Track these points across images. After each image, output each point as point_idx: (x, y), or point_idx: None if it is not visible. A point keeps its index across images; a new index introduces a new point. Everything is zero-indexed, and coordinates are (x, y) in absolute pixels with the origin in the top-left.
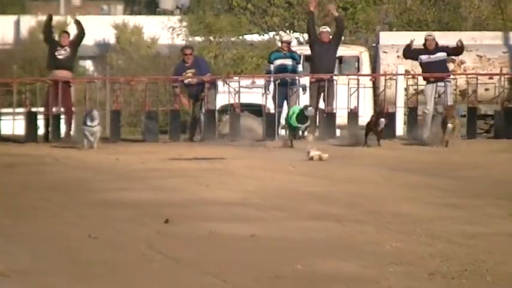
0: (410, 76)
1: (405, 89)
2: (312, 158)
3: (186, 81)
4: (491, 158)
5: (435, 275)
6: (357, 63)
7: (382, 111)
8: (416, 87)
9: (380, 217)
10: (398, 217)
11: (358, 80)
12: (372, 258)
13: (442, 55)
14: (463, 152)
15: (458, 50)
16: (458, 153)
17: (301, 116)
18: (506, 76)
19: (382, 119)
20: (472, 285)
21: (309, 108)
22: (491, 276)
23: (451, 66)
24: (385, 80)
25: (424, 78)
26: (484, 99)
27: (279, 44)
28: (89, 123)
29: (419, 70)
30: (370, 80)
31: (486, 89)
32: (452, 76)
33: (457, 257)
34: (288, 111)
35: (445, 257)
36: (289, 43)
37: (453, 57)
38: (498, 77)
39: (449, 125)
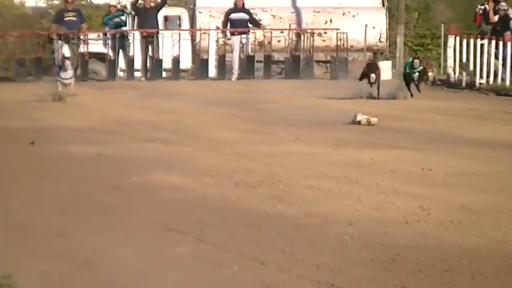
0: (219, 31)
1: (216, 41)
2: (359, 122)
3: (66, 19)
4: (283, 94)
5: (240, 184)
6: (178, 21)
7: (372, 64)
8: (224, 39)
9: (197, 140)
10: (211, 140)
11: (179, 34)
12: (191, 172)
13: (245, 16)
14: (262, 89)
15: (255, 24)
16: (258, 90)
17: (411, 66)
18: (294, 31)
19: (373, 75)
20: (267, 192)
21: (415, 60)
22: (283, 185)
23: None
24: (200, 34)
25: (231, 33)
26: (277, 48)
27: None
28: (62, 75)
29: (227, 27)
30: (189, 34)
31: (278, 41)
32: (252, 31)
33: (257, 170)
34: (405, 65)
35: (247, 171)
36: (115, 6)
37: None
38: (287, 31)
39: (430, 74)
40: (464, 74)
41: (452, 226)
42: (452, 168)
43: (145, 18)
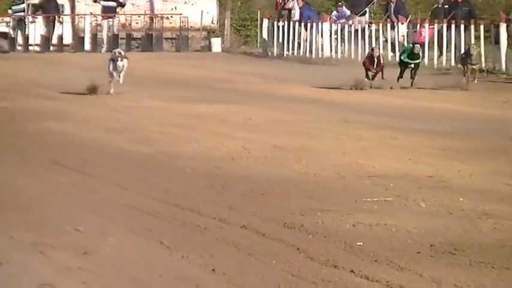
0: (92, 15)
1: (90, 23)
2: None
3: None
4: (140, 63)
5: (109, 130)
6: (62, 8)
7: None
8: (96, 21)
9: (78, 97)
10: (88, 97)
11: (63, 18)
12: (73, 121)
13: (113, 4)
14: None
15: (122, 5)
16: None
17: (411, 53)
18: (148, 15)
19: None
20: (129, 136)
21: (416, 45)
22: (141, 131)
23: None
24: (78, 18)
25: (101, 17)
26: (135, 29)
27: None
28: (118, 61)
29: (98, 12)
30: (70, 17)
31: (136, 23)
32: (117, 15)
33: (121, 120)
34: (402, 51)
35: (114, 120)
36: None
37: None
38: (143, 16)
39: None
40: (275, 46)
41: (266, 161)
42: (267, 117)
43: (49, 7)
